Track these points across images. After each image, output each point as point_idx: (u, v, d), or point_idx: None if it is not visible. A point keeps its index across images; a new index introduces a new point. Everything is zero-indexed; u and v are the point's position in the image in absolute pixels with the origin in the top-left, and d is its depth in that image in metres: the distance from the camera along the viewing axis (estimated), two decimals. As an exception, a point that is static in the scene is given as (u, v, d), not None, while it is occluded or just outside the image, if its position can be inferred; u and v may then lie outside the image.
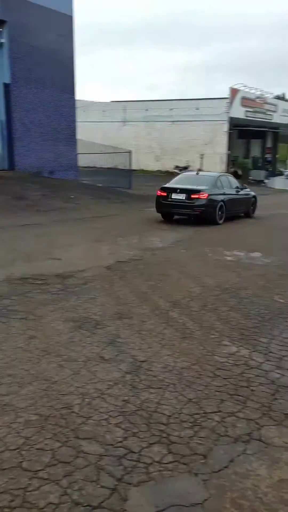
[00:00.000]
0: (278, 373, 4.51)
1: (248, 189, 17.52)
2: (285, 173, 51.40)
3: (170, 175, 39.54)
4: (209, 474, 3.00)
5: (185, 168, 39.60)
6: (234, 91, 40.12)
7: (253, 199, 17.45)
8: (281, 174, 51.79)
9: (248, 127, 43.09)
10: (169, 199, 14.28)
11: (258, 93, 45.30)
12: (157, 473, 2.99)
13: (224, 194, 14.99)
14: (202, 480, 2.93)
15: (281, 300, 6.97)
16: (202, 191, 14.03)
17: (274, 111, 48.62)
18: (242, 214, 16.93)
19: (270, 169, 48.96)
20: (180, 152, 41.86)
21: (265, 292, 7.40)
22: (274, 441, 3.38)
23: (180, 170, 39.58)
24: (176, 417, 3.65)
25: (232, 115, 39.94)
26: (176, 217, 15.12)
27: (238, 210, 16.41)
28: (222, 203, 14.60)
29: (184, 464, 3.09)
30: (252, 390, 4.14)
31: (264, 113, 46.14)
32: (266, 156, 50.47)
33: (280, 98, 66.78)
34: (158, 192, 14.67)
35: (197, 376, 4.39)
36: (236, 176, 41.58)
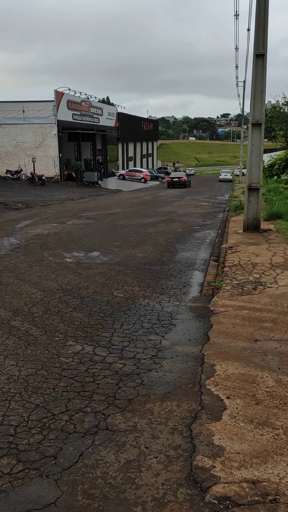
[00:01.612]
0: (120, 363, 4.77)
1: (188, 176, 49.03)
2: (117, 174, 53.86)
3: (3, 180, 38.11)
4: (60, 473, 3.06)
5: (17, 172, 38.52)
6: (59, 94, 40.38)
7: (190, 180, 46.71)
8: (113, 174, 54.08)
9: (77, 130, 43.81)
10: (173, 180, 42.71)
11: (83, 96, 46.40)
12: (8, 485, 2.94)
13: (187, 177, 45.22)
14: (53, 481, 2.98)
15: (120, 295, 7.34)
16: (182, 176, 44.02)
17: (100, 115, 50.40)
18: (188, 185, 43.42)
19: (103, 170, 50.64)
20: (10, 156, 40.56)
21: (105, 289, 7.71)
22: (120, 427, 3.60)
23: (13, 174, 38.38)
24: (24, 425, 3.62)
25: (60, 118, 40.16)
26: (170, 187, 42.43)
27: (189, 183, 44.08)
28: (186, 180, 43.48)
29: (35, 469, 3.09)
30: (97, 384, 4.32)
31: (90, 116, 47.48)
32: (97, 158, 52.02)
33: (105, 102, 69.40)
34: (168, 178, 44.37)
35: (43, 380, 4.40)
36: (71, 178, 42.12)
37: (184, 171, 62.52)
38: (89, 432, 3.53)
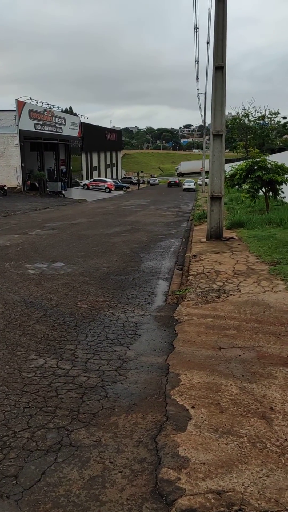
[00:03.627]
0: (84, 376, 4.68)
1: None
2: (81, 184, 53.61)
3: None
4: (21, 493, 2.95)
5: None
6: (20, 104, 39.96)
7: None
8: (77, 184, 53.79)
9: (39, 140, 43.41)
10: (171, 182, 72.01)
11: (46, 106, 46.09)
12: None
13: (179, 180, 71.86)
14: (14, 501, 2.87)
15: (84, 306, 7.25)
16: (177, 180, 73.73)
17: (63, 124, 50.17)
18: (180, 186, 66.39)
19: (66, 180, 50.29)
20: None
21: (68, 300, 7.59)
22: (84, 442, 3.51)
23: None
24: (-16, 445, 3.47)
25: (22, 128, 39.72)
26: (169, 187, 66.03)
27: (180, 184, 67.10)
28: (179, 182, 69.33)
29: (-6, 491, 2.97)
30: (61, 398, 4.21)
31: (53, 126, 47.18)
32: (60, 167, 51.64)
33: (68, 112, 69.15)
34: (168, 181, 74.34)
35: (4, 397, 4.25)
36: (35, 188, 41.61)
37: (148, 181, 79.28)
38: (52, 449, 3.43)
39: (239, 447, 3.35)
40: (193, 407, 3.94)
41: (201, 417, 3.77)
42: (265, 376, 4.47)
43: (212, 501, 2.80)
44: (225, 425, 3.64)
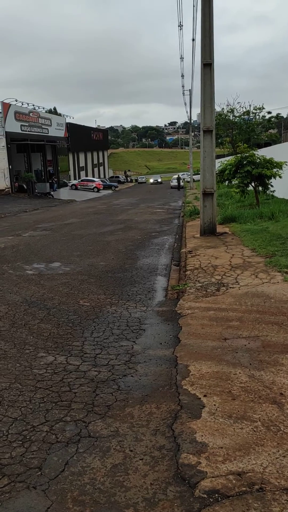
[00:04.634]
0: (95, 371, 4.77)
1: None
2: (70, 184, 53.48)
3: None
4: (47, 483, 3.03)
5: None
6: (6, 106, 39.76)
7: (183, 183, 59.59)
8: (65, 185, 53.64)
9: (26, 141, 43.24)
10: (174, 184, 56.73)
11: (31, 107, 45.91)
12: (-5, 500, 2.88)
13: (182, 181, 58.56)
14: (41, 491, 2.95)
15: (86, 304, 7.32)
16: (179, 182, 57.16)
17: (49, 125, 50.01)
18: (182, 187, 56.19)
19: (56, 180, 50.16)
20: None
21: (70, 298, 7.66)
22: (102, 433, 3.61)
23: None
24: (4, 439, 3.55)
25: (8, 130, 39.53)
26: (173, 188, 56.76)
27: (182, 185, 56.79)
28: (181, 183, 57.18)
29: (21, 482, 3.05)
30: (74, 393, 4.30)
31: (39, 127, 47.01)
32: (48, 168, 51.48)
33: (52, 112, 68.86)
34: (172, 184, 58.42)
35: (18, 394, 4.32)
36: (23, 190, 41.45)
37: (136, 179, 77.18)
38: (72, 440, 3.52)
39: (254, 431, 3.47)
40: (205, 396, 4.05)
41: (214, 405, 3.88)
42: (272, 363, 4.60)
43: (234, 481, 2.91)
44: (238, 411, 3.76)
